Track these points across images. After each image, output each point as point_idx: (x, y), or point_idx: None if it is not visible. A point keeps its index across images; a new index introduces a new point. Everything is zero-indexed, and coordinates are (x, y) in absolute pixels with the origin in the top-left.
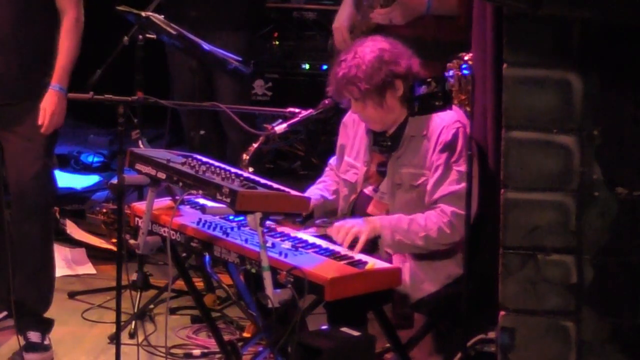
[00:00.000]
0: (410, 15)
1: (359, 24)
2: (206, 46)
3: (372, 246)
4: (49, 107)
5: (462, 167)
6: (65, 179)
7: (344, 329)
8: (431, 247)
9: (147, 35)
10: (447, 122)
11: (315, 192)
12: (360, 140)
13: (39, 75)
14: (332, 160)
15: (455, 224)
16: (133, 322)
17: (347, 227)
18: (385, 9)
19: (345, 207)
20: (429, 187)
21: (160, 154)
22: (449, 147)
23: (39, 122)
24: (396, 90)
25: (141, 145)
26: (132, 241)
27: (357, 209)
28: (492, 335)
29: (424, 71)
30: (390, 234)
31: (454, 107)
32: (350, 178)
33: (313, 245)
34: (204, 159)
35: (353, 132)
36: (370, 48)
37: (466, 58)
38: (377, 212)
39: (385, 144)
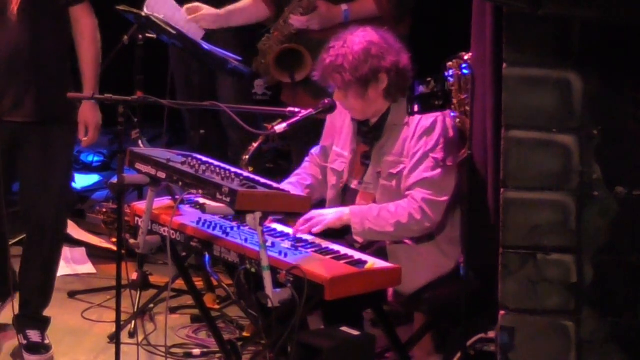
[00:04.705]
0: (328, 24)
1: (281, 28)
2: (206, 46)
3: (340, 235)
4: (91, 119)
5: (439, 155)
6: None
7: (344, 329)
8: (402, 233)
9: (147, 35)
10: None
11: (285, 187)
12: (347, 129)
13: (59, 92)
14: (314, 150)
15: (425, 210)
16: (133, 322)
17: (312, 218)
18: (305, 16)
19: (336, 194)
20: (405, 173)
21: (160, 154)
22: (427, 133)
23: (80, 137)
24: (380, 84)
25: (141, 145)
26: (132, 241)
27: (347, 203)
28: (492, 334)
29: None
30: (359, 222)
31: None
32: (338, 167)
33: (313, 245)
34: (204, 159)
35: (340, 122)
36: (360, 39)
37: (466, 58)
38: (364, 203)
39: (368, 134)
